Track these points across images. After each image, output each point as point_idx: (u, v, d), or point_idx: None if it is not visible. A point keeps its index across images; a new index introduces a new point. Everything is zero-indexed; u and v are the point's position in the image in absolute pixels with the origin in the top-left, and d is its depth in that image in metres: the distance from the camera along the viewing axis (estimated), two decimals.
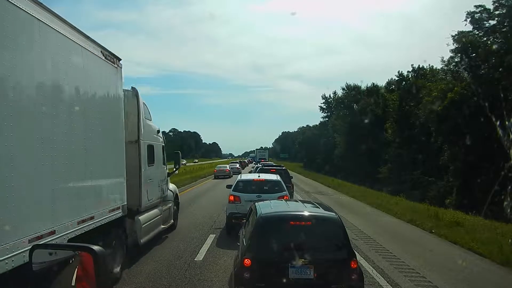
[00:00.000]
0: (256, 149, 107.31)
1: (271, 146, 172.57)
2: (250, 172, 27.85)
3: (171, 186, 12.10)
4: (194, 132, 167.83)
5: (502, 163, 14.32)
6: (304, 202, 7.44)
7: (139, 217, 8.23)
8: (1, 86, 3.96)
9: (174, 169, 13.09)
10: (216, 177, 38.29)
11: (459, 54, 27.83)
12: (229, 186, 12.95)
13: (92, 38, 6.18)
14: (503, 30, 25.95)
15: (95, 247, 2.09)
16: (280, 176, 13.44)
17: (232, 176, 35.67)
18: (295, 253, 5.11)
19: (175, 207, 11.91)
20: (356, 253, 8.05)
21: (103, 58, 6.66)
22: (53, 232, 4.75)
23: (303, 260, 5.09)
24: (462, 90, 25.83)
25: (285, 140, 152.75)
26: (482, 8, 26.68)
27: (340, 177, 43.94)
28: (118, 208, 7.05)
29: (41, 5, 4.60)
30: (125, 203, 7.40)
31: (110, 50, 6.93)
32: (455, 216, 14.19)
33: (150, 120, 9.72)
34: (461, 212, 16.05)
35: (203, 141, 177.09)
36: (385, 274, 7.72)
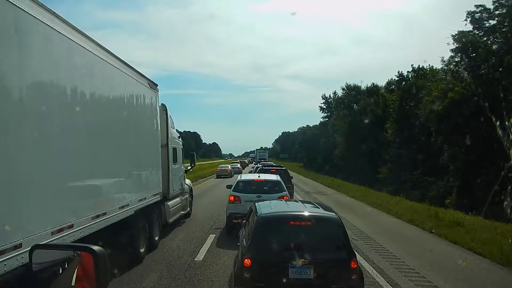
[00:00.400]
0: (256, 149, 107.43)
1: (271, 146, 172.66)
2: (250, 172, 28.00)
3: (187, 181, 14.22)
4: (194, 132, 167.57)
5: (502, 163, 14.33)
6: (304, 202, 7.42)
7: (168, 203, 10.73)
8: (107, 122, 6.73)
9: (189, 167, 15.33)
10: (218, 176, 39.70)
11: (459, 54, 27.82)
12: (229, 186, 13.12)
13: (141, 73, 8.78)
14: (503, 30, 25.93)
15: (95, 247, 2.09)
16: (280, 176, 13.50)
17: (233, 175, 36.77)
18: (295, 253, 5.12)
19: (190, 198, 14.24)
20: (356, 253, 8.12)
21: (148, 86, 9.26)
22: (127, 205, 7.33)
23: (303, 260, 5.11)
24: (462, 90, 25.81)
25: (285, 140, 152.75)
26: (482, 8, 26.67)
27: (340, 177, 43.93)
28: (157, 194, 9.61)
29: (122, 61, 7.40)
30: (161, 190, 9.99)
31: (151, 79, 9.54)
32: (455, 216, 14.19)
33: (174, 128, 12.21)
34: (461, 212, 16.04)
35: (203, 141, 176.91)
36: (385, 274, 7.71)
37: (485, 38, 27.20)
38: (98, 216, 6.02)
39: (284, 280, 5.08)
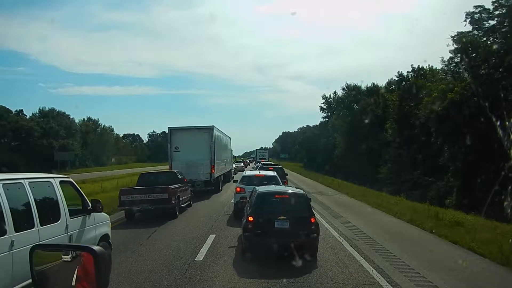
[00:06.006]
0: (257, 149, 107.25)
1: (271, 146, 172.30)
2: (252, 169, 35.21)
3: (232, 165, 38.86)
4: None
5: (502, 163, 14.30)
6: (286, 185, 12.21)
7: (231, 170, 35.50)
8: (222, 152, 27.58)
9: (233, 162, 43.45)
10: None
11: (459, 54, 27.78)
12: (235, 181, 17.13)
13: (228, 135, 32.74)
14: (503, 30, 25.93)
15: (96, 247, 2.09)
16: (276, 172, 16.35)
17: (237, 173, 40.71)
18: (278, 213, 8.57)
19: (233, 170, 37.36)
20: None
21: (228, 137, 32.85)
22: (227, 168, 31.81)
23: (283, 216, 8.48)
24: (462, 90, 25.78)
25: (285, 140, 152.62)
26: (482, 8, 26.66)
27: (340, 177, 43.88)
28: (231, 167, 35.73)
29: (225, 133, 30.50)
30: (232, 167, 36.82)
31: (228, 135, 33.16)
32: (455, 216, 14.17)
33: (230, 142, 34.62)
34: (461, 212, 16.02)
35: None
36: (385, 274, 7.70)
37: (484, 38, 27.18)
38: (224, 170, 28.20)
39: (271, 228, 8.40)
